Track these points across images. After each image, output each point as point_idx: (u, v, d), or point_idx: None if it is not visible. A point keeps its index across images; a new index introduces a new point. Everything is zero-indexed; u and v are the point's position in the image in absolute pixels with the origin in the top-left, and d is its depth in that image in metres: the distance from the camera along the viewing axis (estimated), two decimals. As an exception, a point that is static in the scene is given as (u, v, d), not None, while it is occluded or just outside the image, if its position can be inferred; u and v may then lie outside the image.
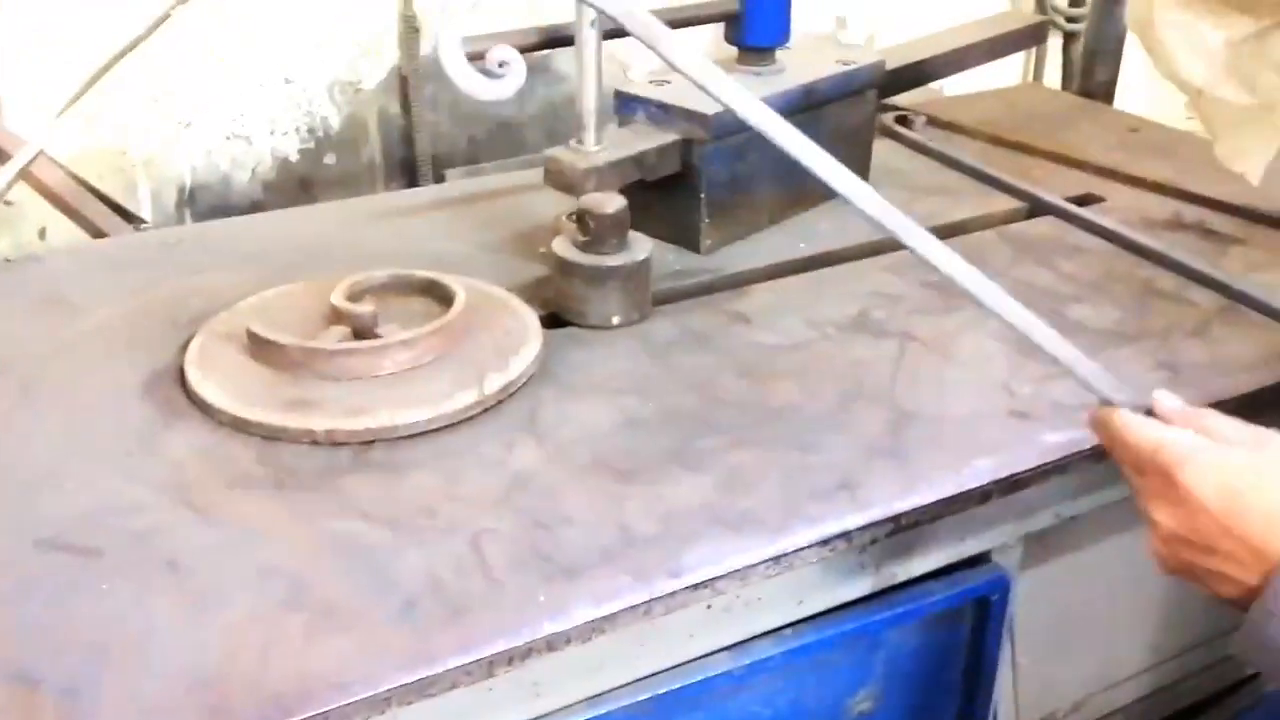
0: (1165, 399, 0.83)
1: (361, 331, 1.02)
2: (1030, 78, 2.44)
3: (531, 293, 1.18)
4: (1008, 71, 2.30)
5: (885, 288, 1.23)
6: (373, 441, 0.94)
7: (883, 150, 1.53)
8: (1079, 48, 2.47)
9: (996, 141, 1.61)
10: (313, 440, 0.94)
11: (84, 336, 1.10)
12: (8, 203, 1.61)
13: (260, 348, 1.01)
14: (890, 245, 1.31)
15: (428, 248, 1.30)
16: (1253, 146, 1.16)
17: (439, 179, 1.86)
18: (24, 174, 1.45)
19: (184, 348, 1.06)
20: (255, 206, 1.73)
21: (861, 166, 1.47)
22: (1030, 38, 1.78)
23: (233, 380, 0.99)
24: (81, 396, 1.00)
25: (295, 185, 1.76)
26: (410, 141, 1.82)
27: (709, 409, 1.01)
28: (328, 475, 0.90)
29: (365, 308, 1.03)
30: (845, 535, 0.87)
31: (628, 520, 0.86)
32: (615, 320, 1.13)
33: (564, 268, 1.13)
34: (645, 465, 0.93)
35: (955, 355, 1.10)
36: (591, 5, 0.86)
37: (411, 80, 1.78)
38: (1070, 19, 2.45)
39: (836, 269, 1.28)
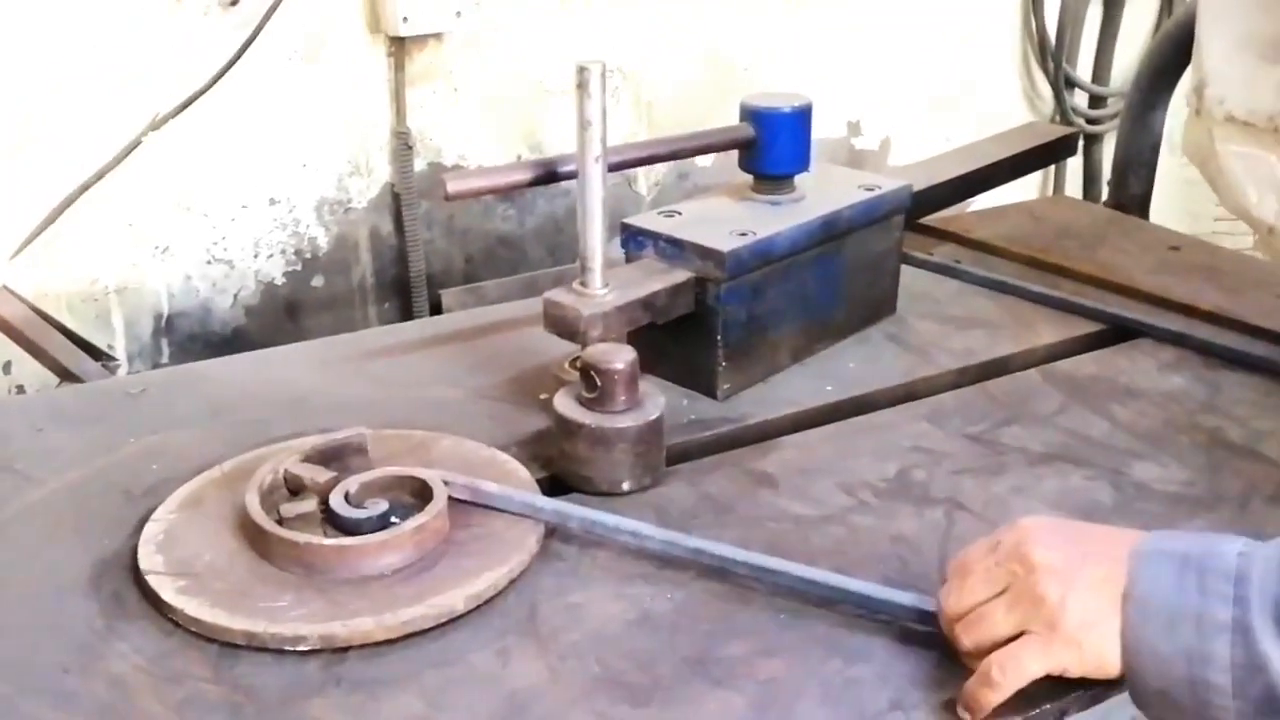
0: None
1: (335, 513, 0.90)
2: (1051, 185, 2.35)
3: (533, 450, 1.07)
4: (1026, 178, 2.21)
5: (925, 440, 1.11)
6: (347, 649, 0.82)
7: (909, 275, 1.42)
8: (1099, 152, 2.40)
9: (1031, 263, 1.50)
10: (279, 648, 0.81)
11: (28, 514, 0.98)
12: (-31, 338, 1.51)
13: (219, 535, 0.89)
14: (926, 389, 1.21)
15: (418, 396, 1.18)
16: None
17: (434, 299, 1.76)
18: (-16, 310, 1.35)
19: (139, 527, 0.93)
20: (237, 334, 1.62)
21: (889, 294, 1.36)
22: (1061, 150, 1.68)
23: (188, 572, 0.87)
24: (19, 593, 0.88)
25: (280, 309, 1.65)
26: (404, 261, 1.72)
27: (735, 601, 0.88)
28: (292, 697, 0.78)
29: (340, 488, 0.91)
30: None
31: (644, 758, 0.73)
32: (625, 486, 1.01)
33: (566, 427, 1.02)
34: (664, 679, 0.80)
35: (1009, 526, 0.97)
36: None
37: (404, 198, 1.69)
38: (1090, 120, 2.37)
39: (869, 418, 1.16)
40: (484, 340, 1.33)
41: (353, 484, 0.93)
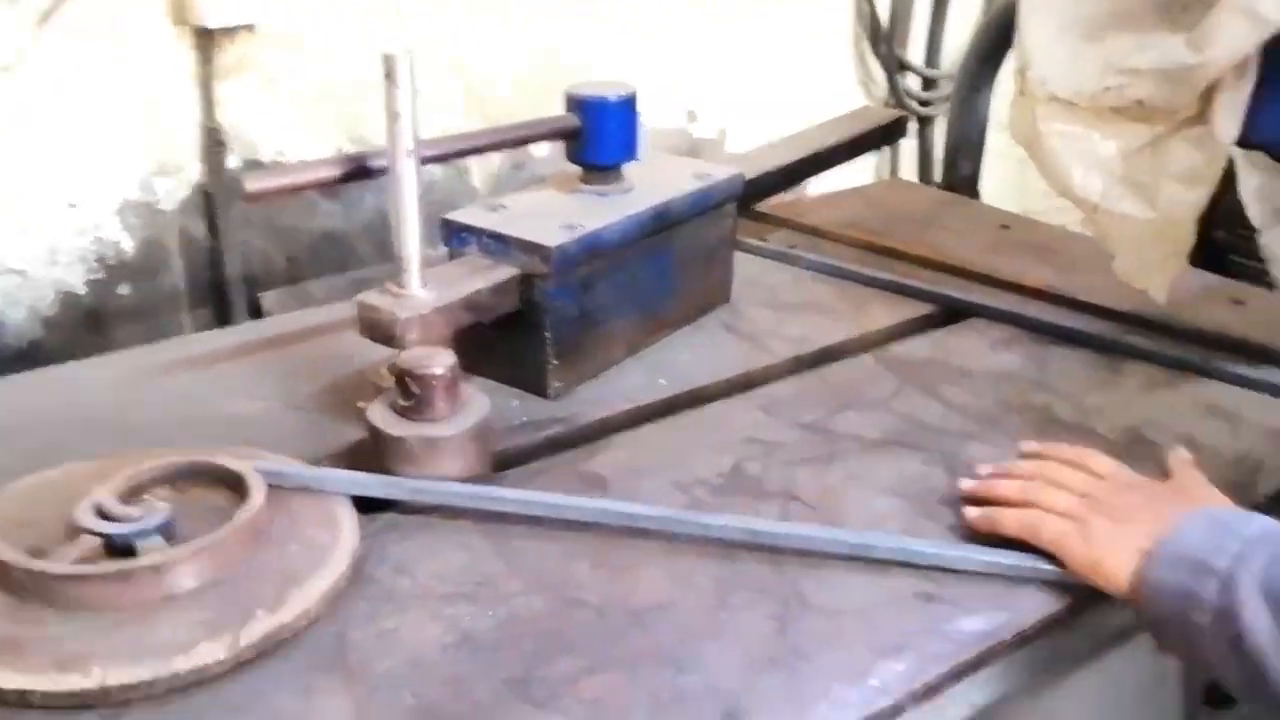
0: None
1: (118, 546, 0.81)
2: (888, 169, 2.37)
3: (348, 462, 1.00)
4: (863, 161, 2.22)
5: (760, 432, 1.08)
6: (127, 702, 0.74)
7: (743, 262, 1.39)
8: (932, 134, 2.43)
9: (866, 247, 1.50)
10: (47, 705, 0.73)
11: None
12: None
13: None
14: (761, 378, 1.19)
15: (225, 410, 1.10)
16: (1156, 262, 1.06)
17: (253, 302, 1.66)
18: None
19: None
20: (34, 348, 1.49)
21: (723, 283, 1.33)
22: (891, 134, 1.68)
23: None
24: None
25: (83, 321, 1.53)
26: (219, 264, 1.61)
27: (560, 615, 0.83)
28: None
29: (119, 513, 0.82)
30: (734, 788, 0.70)
31: (461, 796, 0.67)
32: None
33: (381, 440, 0.95)
34: (483, 706, 0.74)
35: (845, 517, 0.95)
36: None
37: (217, 197, 1.58)
38: (923, 103, 2.40)
39: (703, 410, 1.13)
40: (301, 346, 1.25)
41: (117, 483, 0.84)
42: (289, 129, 1.62)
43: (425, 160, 1.02)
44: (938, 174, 2.28)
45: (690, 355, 1.22)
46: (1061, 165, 1.00)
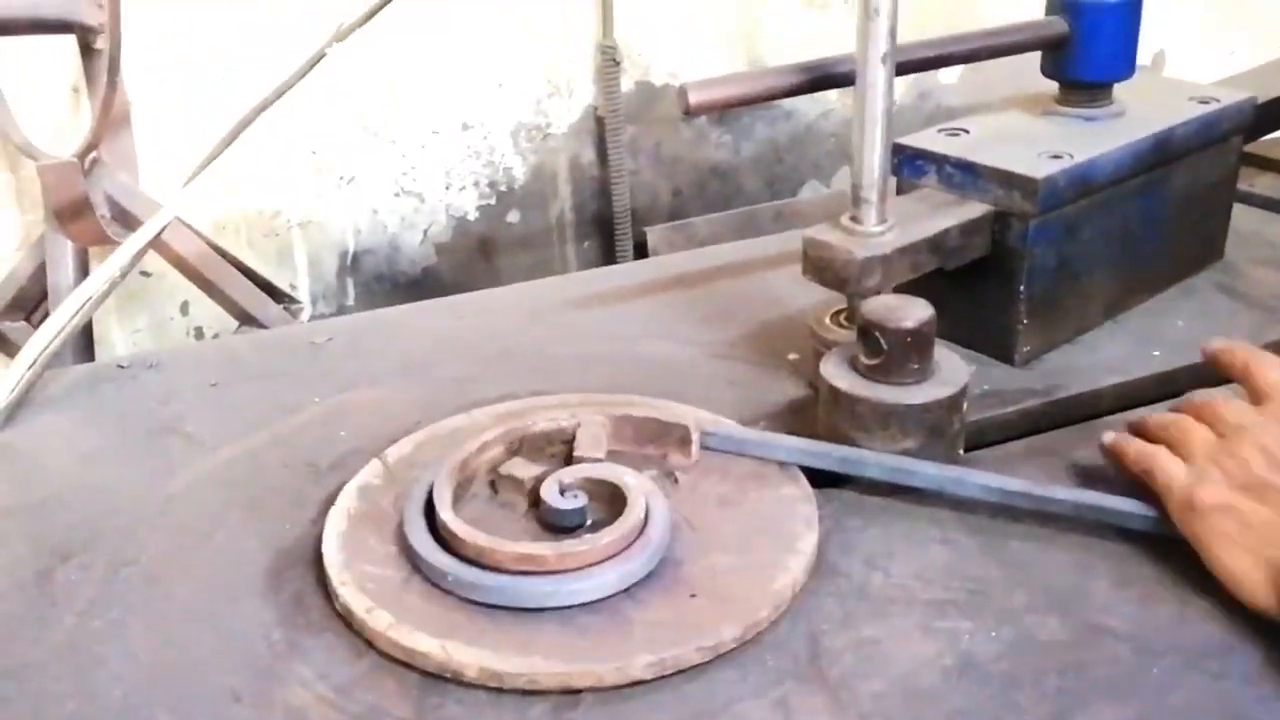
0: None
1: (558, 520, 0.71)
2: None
3: (788, 425, 0.86)
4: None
5: (1299, 426, 0.85)
6: (580, 691, 0.63)
7: (1235, 211, 1.14)
8: None
9: (1390, 196, 1.20)
10: (495, 686, 0.63)
11: (198, 487, 0.83)
12: (145, 274, 1.39)
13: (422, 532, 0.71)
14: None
15: (638, 353, 0.99)
16: None
17: (639, 237, 1.56)
18: (158, 244, 1.22)
19: (324, 510, 0.77)
20: (427, 274, 1.46)
21: (1218, 235, 1.10)
22: None
23: (383, 577, 0.69)
24: (188, 590, 0.73)
25: (474, 247, 1.49)
26: (606, 194, 1.53)
27: (1085, 646, 0.65)
28: (514, 755, 0.60)
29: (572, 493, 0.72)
30: None
31: None
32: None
33: (841, 402, 0.80)
34: (1008, 758, 0.59)
35: None
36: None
37: (609, 122, 1.49)
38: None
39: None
40: (708, 287, 1.12)
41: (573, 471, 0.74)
42: (685, 47, 1.51)
43: (899, 70, 0.85)
44: None
45: (1184, 323, 0.99)
46: None
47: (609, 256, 1.54)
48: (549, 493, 0.72)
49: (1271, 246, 1.12)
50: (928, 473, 0.77)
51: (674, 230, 1.56)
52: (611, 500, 0.73)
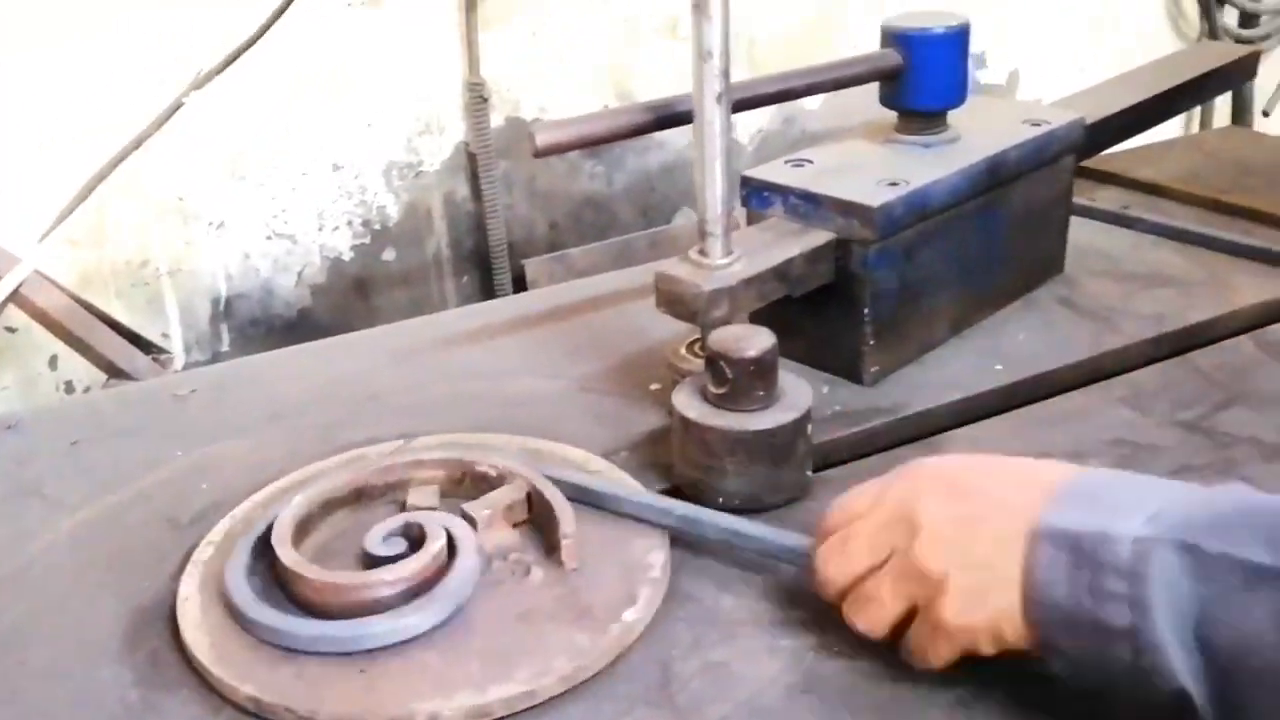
0: None
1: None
2: (1198, 117, 2.09)
3: (646, 455, 0.88)
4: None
5: (1129, 431, 0.90)
6: (435, 730, 0.64)
7: (1071, 225, 1.20)
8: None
9: (1214, 207, 1.27)
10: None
11: (56, 549, 0.82)
12: (10, 329, 1.37)
13: (277, 580, 0.72)
14: (1116, 365, 1.00)
15: (510, 389, 1.01)
16: None
17: (517, 270, 1.58)
18: (19, 299, 1.20)
19: (183, 565, 0.77)
20: (303, 316, 1.46)
21: (1056, 250, 1.15)
22: (1241, 73, 1.44)
23: (234, 633, 0.70)
24: (44, 653, 0.72)
25: (350, 287, 1.49)
26: (482, 229, 1.54)
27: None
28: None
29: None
30: None
31: None
32: (765, 500, 0.82)
33: (692, 431, 0.83)
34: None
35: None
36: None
37: (481, 158, 1.51)
38: (1241, 40, 2.11)
39: (1054, 403, 0.96)
40: (580, 320, 1.15)
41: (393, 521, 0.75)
42: (553, 83, 1.53)
43: (736, 106, 0.89)
44: (1255, 122, 2.00)
45: (1026, 336, 1.04)
46: None
47: (488, 290, 1.55)
48: (371, 540, 0.74)
49: (1109, 259, 1.18)
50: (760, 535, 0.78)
51: (552, 261, 1.58)
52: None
